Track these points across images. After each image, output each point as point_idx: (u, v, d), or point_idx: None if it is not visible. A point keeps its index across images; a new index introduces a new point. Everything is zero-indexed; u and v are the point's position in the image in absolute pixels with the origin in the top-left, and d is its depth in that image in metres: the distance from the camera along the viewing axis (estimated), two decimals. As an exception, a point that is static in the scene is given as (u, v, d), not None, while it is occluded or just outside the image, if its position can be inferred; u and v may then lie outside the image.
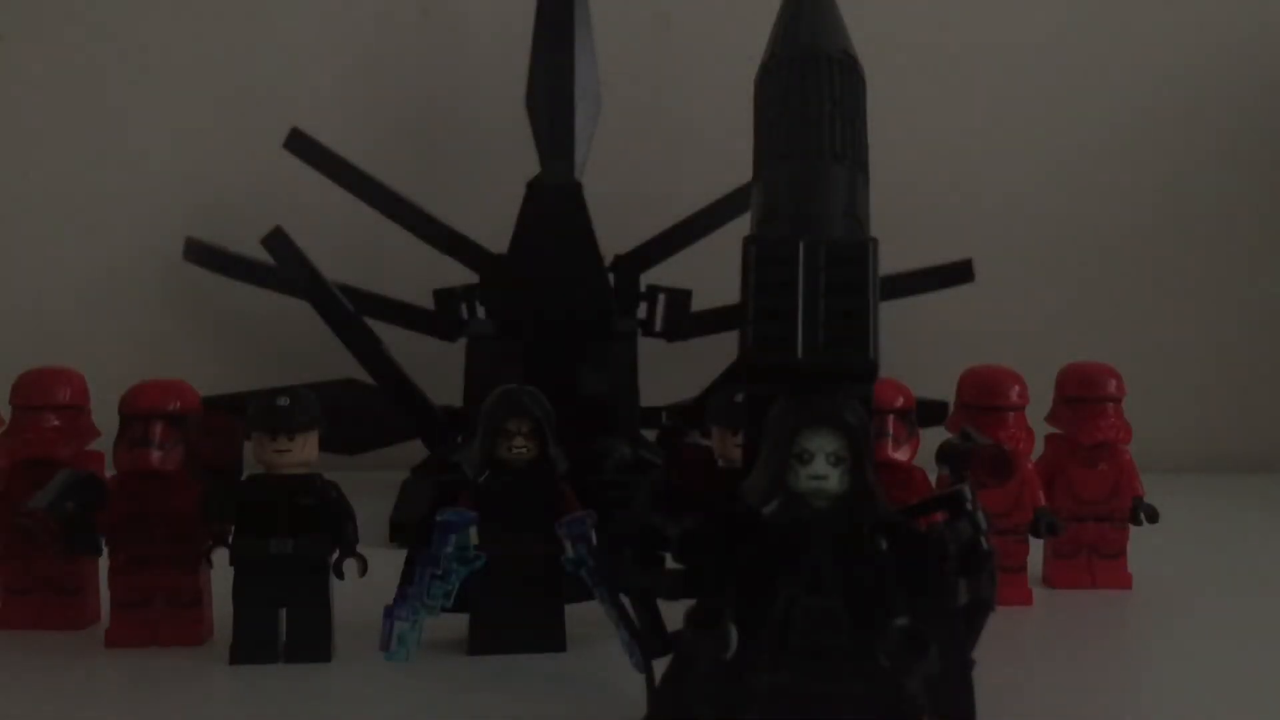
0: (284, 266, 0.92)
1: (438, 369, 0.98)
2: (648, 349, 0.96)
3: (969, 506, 0.37)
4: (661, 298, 1.01)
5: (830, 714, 0.34)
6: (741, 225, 1.11)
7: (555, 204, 0.92)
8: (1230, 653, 0.61)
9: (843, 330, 0.34)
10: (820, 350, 0.34)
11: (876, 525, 0.35)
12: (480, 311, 0.99)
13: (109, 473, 0.62)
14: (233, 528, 0.59)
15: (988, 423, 0.68)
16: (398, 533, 0.83)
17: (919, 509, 0.37)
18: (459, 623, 0.60)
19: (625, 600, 0.39)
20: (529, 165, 0.95)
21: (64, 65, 1.18)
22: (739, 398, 0.63)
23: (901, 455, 0.65)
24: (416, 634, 0.57)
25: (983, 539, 0.37)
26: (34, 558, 0.63)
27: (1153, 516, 0.71)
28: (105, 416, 0.64)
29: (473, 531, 0.58)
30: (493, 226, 0.97)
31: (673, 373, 1.01)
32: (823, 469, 0.34)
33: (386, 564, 0.60)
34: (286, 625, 0.59)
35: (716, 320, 1.03)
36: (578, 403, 0.88)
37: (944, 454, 0.66)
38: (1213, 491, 1.04)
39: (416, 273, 1.03)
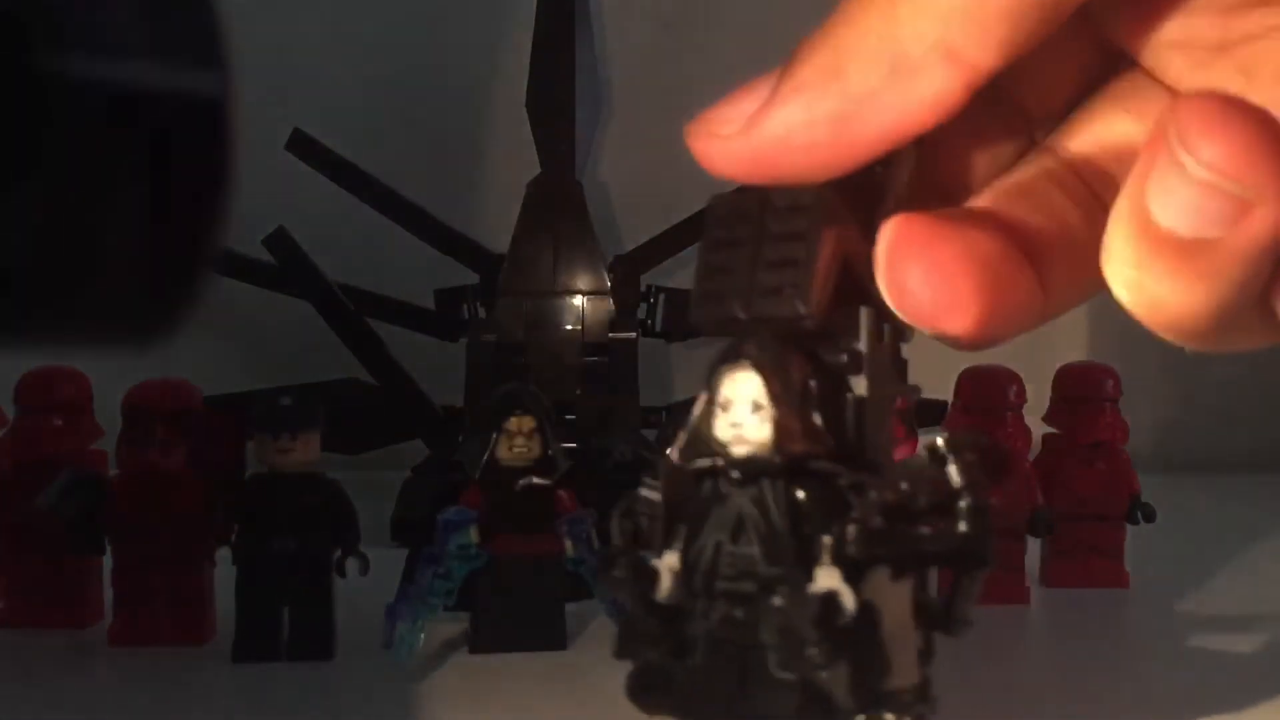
0: (286, 266, 0.92)
1: (438, 369, 0.99)
2: (648, 349, 0.97)
3: (943, 452, 0.35)
4: (661, 298, 1.01)
5: (756, 661, 0.34)
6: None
7: (556, 205, 0.93)
8: (1228, 653, 0.61)
9: (781, 279, 0.32)
10: (754, 302, 0.33)
11: (794, 474, 0.33)
12: (480, 311, 1.00)
13: (112, 472, 0.62)
14: (235, 527, 0.59)
15: (985, 422, 0.68)
16: (399, 532, 0.83)
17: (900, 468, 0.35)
18: (461, 621, 0.60)
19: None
20: (529, 165, 0.95)
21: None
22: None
23: (900, 455, 0.65)
24: (418, 632, 0.57)
25: (969, 492, 0.35)
26: (36, 556, 0.63)
27: (1150, 516, 0.71)
28: (108, 415, 0.65)
29: (474, 530, 0.58)
30: (493, 226, 0.97)
31: (673, 373, 1.01)
32: (741, 416, 0.33)
33: (388, 563, 0.60)
34: (289, 624, 0.59)
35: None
36: (578, 403, 0.88)
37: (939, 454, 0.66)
38: (1211, 491, 1.04)
39: (417, 273, 1.03)
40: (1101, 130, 0.33)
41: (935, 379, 0.79)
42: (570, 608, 0.61)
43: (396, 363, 0.95)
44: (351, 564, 0.59)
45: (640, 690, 0.36)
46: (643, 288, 1.01)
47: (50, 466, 0.62)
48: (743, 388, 0.33)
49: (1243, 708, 0.54)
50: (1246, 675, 0.58)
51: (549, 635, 0.60)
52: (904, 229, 0.30)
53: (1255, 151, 0.25)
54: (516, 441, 0.60)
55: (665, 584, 0.35)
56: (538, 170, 0.95)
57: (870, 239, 0.32)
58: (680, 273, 1.03)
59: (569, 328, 0.91)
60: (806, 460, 0.33)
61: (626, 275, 1.01)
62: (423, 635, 0.58)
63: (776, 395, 0.33)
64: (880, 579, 0.34)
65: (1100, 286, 0.30)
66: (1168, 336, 0.29)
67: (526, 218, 0.93)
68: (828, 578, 0.33)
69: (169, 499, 0.61)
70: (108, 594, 0.63)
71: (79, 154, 0.19)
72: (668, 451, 0.35)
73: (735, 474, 0.33)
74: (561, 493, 0.60)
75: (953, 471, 0.35)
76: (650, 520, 0.35)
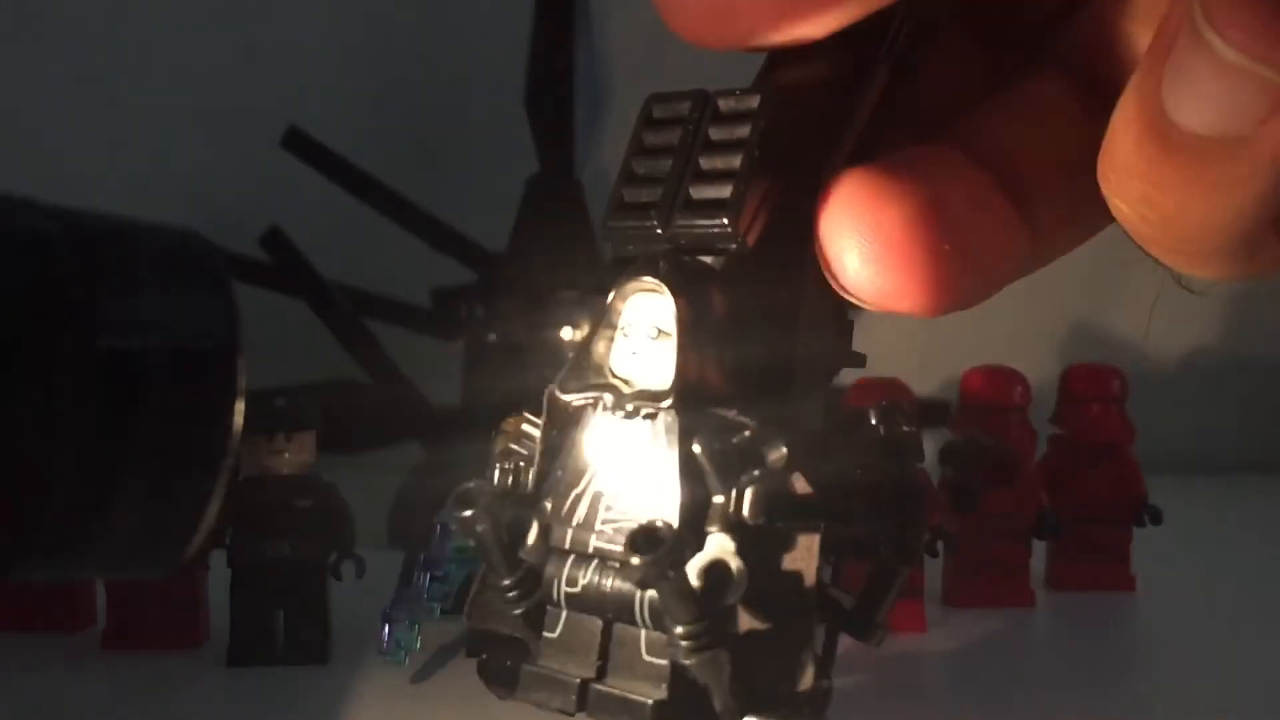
0: (282, 265, 0.91)
1: (437, 369, 0.98)
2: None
3: (874, 421, 0.30)
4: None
5: (625, 640, 0.28)
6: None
7: (555, 203, 0.92)
8: (1235, 655, 0.61)
9: (711, 193, 0.27)
10: (675, 216, 0.28)
11: (698, 422, 0.28)
12: (479, 311, 0.99)
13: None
14: (229, 529, 0.58)
15: (991, 423, 0.68)
16: (396, 534, 0.82)
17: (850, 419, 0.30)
18: (457, 624, 0.59)
19: None
20: (528, 163, 0.94)
21: (63, 64, 1.18)
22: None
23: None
24: (415, 636, 0.57)
25: (902, 471, 0.29)
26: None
27: (1157, 518, 0.71)
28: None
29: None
30: (491, 225, 0.97)
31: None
32: (641, 343, 0.28)
33: (384, 565, 0.59)
34: (284, 627, 0.58)
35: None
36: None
37: (947, 455, 0.65)
38: (1218, 493, 1.04)
39: (414, 272, 1.02)
40: (1099, 34, 0.29)
41: (939, 379, 0.79)
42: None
43: (393, 363, 0.94)
44: (347, 567, 0.59)
45: (492, 670, 0.31)
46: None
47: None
48: (647, 311, 0.28)
49: (1250, 712, 0.54)
50: (1254, 679, 0.58)
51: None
52: (847, 191, 0.27)
53: None
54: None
55: (532, 538, 0.29)
56: (536, 168, 0.94)
57: (824, 175, 0.28)
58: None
59: (568, 327, 0.90)
60: (712, 405, 0.28)
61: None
62: (419, 639, 0.57)
63: (685, 323, 0.27)
64: (781, 557, 0.28)
65: (1103, 221, 0.27)
66: (1171, 261, 0.26)
67: (525, 216, 0.92)
68: (718, 546, 0.27)
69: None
70: (100, 597, 0.62)
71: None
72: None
73: (625, 410, 0.28)
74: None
75: (882, 447, 0.30)
76: (526, 462, 0.30)
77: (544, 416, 0.30)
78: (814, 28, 0.27)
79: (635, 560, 0.26)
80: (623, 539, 0.27)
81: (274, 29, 1.18)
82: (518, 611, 0.29)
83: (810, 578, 0.28)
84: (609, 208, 0.29)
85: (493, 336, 0.91)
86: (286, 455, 0.58)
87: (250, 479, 0.59)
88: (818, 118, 0.29)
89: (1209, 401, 1.20)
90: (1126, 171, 0.24)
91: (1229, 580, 0.75)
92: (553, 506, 0.29)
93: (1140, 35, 0.28)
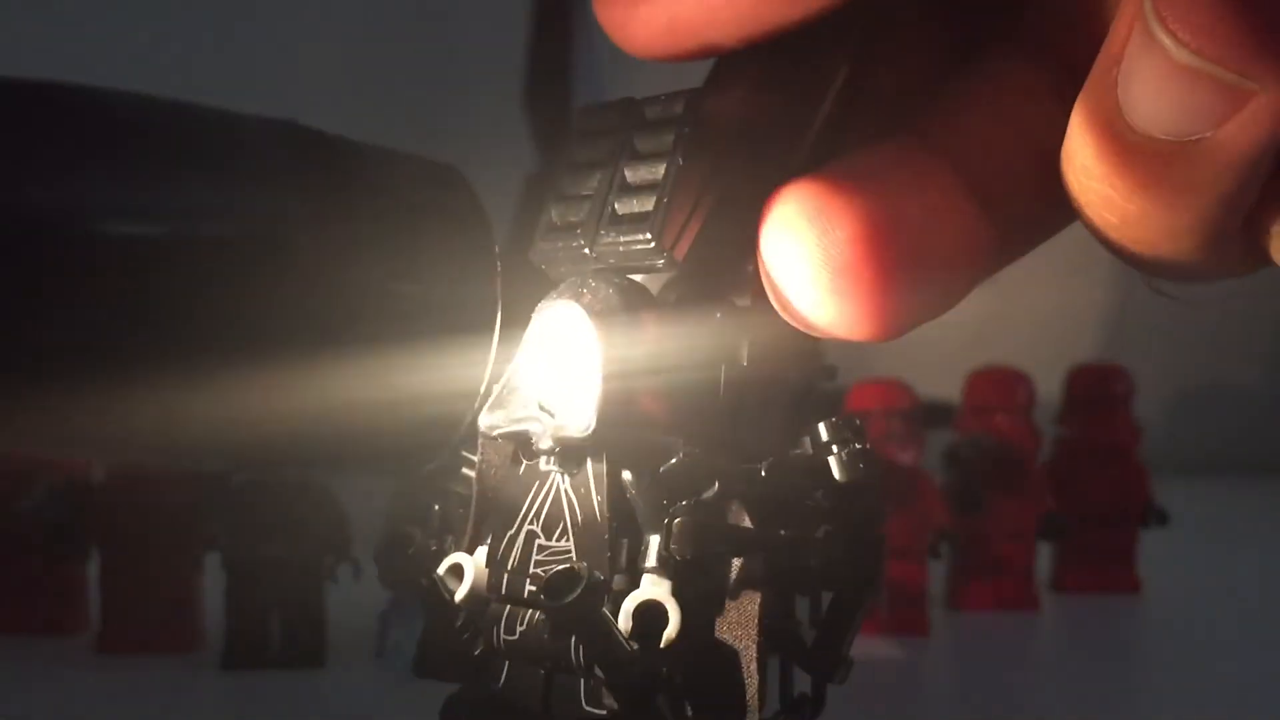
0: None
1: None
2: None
3: (824, 441, 0.27)
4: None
5: (564, 689, 0.26)
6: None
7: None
8: (1241, 657, 0.61)
9: (636, 207, 0.26)
10: (598, 231, 0.26)
11: (628, 454, 0.26)
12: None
13: (99, 476, 0.62)
14: (224, 532, 0.58)
15: (995, 425, 0.67)
16: (385, 571, 0.82)
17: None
18: (455, 628, 0.59)
19: None
20: (528, 165, 0.94)
21: (61, 64, 1.18)
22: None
23: (906, 457, 0.64)
24: (412, 639, 0.57)
25: (855, 495, 0.27)
26: (21, 562, 0.62)
27: (1163, 519, 0.70)
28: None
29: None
30: (492, 225, 0.96)
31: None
32: (564, 370, 0.26)
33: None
34: (279, 631, 0.58)
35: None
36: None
37: (951, 457, 0.65)
38: (1224, 494, 1.04)
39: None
40: (1073, 10, 0.27)
41: (943, 380, 0.78)
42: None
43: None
44: (343, 570, 0.58)
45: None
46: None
47: (33, 470, 0.61)
48: (567, 336, 0.26)
49: (1257, 714, 0.53)
50: (1260, 681, 0.57)
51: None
52: (791, 207, 0.25)
53: (1253, 23, 0.20)
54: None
55: (465, 587, 0.27)
56: (536, 168, 0.94)
57: (776, 182, 0.25)
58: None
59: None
60: (642, 435, 0.26)
61: (627, 274, 1.00)
62: (416, 642, 0.57)
63: (608, 350, 0.25)
64: (723, 594, 0.26)
65: (1074, 216, 0.25)
66: (1138, 264, 0.24)
67: (524, 215, 0.92)
68: (650, 585, 0.25)
69: (157, 503, 0.60)
70: (95, 600, 0.62)
71: None
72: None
73: (549, 446, 0.26)
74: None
75: (835, 466, 0.27)
76: (464, 503, 0.28)
77: (479, 453, 0.28)
78: (768, 26, 0.25)
79: (552, 604, 0.24)
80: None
81: (271, 27, 1.18)
82: (473, 652, 0.28)
83: (751, 614, 0.26)
84: (538, 229, 0.28)
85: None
86: (282, 457, 0.58)
87: (245, 482, 0.58)
88: (767, 121, 0.27)
89: (1214, 402, 1.20)
90: (1086, 174, 0.23)
91: (1235, 582, 0.75)
92: (489, 549, 0.27)
93: (1104, 17, 0.26)
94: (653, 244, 0.25)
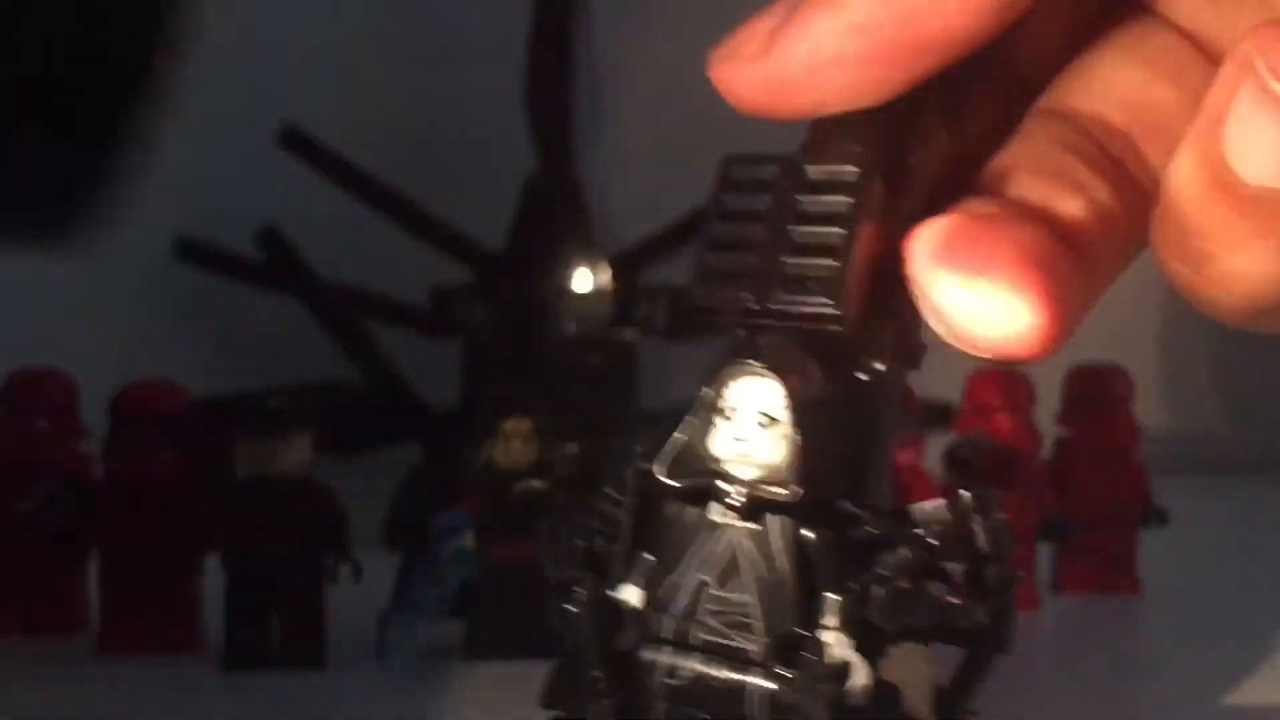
0: (277, 265, 0.91)
1: (435, 369, 0.98)
2: (648, 349, 0.96)
3: (968, 508, 0.29)
4: (661, 298, 1.00)
5: (734, 709, 0.27)
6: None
7: (554, 202, 0.92)
8: (1241, 658, 0.61)
9: (811, 269, 0.26)
10: (779, 292, 0.27)
11: (810, 512, 0.27)
12: (477, 310, 0.99)
13: (99, 475, 0.62)
14: (224, 531, 0.58)
15: (994, 425, 0.67)
16: (393, 537, 0.82)
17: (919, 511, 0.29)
18: (455, 628, 0.59)
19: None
20: (526, 161, 0.94)
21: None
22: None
23: (905, 458, 0.64)
24: (412, 639, 0.57)
25: (995, 563, 0.29)
26: (21, 562, 0.62)
27: (1163, 520, 0.70)
28: (95, 417, 0.64)
29: (469, 535, 0.57)
30: (492, 226, 0.96)
31: (673, 373, 1.00)
32: (749, 430, 0.27)
33: (381, 568, 0.59)
34: (279, 631, 0.58)
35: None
36: (576, 404, 0.87)
37: (949, 457, 0.65)
38: (1224, 494, 1.03)
39: (415, 272, 1.02)
40: (1108, 84, 0.28)
41: (943, 380, 0.78)
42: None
43: (390, 363, 0.94)
44: (344, 570, 0.58)
45: None
46: (642, 287, 1.00)
47: (34, 470, 0.61)
48: (755, 395, 0.27)
49: (1258, 717, 0.53)
50: (1261, 682, 0.57)
51: (545, 642, 0.59)
52: (958, 232, 0.25)
53: None
54: (514, 444, 0.59)
55: (628, 628, 0.28)
56: (536, 168, 0.94)
57: (896, 240, 0.27)
58: (680, 273, 1.02)
59: (567, 327, 0.90)
60: (826, 497, 0.27)
61: (626, 274, 1.00)
62: (417, 642, 0.57)
63: (797, 409, 0.26)
64: (898, 656, 0.27)
65: (1125, 265, 0.26)
66: (1230, 318, 0.25)
67: (524, 214, 0.92)
68: (840, 647, 0.26)
69: (156, 503, 0.60)
70: (94, 600, 0.62)
71: None
72: (652, 465, 0.28)
73: (736, 501, 0.27)
74: (561, 497, 0.59)
75: (979, 533, 0.29)
76: (608, 542, 0.29)
77: (630, 496, 0.29)
78: (880, 91, 0.26)
79: (786, 671, 0.26)
80: (734, 632, 0.27)
81: (271, 27, 1.18)
82: (607, 703, 0.29)
83: (927, 675, 0.29)
84: (697, 274, 0.28)
85: (490, 336, 0.90)
86: (282, 457, 0.58)
87: (246, 481, 0.58)
88: (912, 176, 0.28)
89: (1216, 402, 1.20)
90: (1185, 230, 0.23)
91: (1235, 583, 0.75)
92: (647, 593, 0.28)
93: (1145, 82, 0.28)
94: (836, 310, 0.26)
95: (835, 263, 0.26)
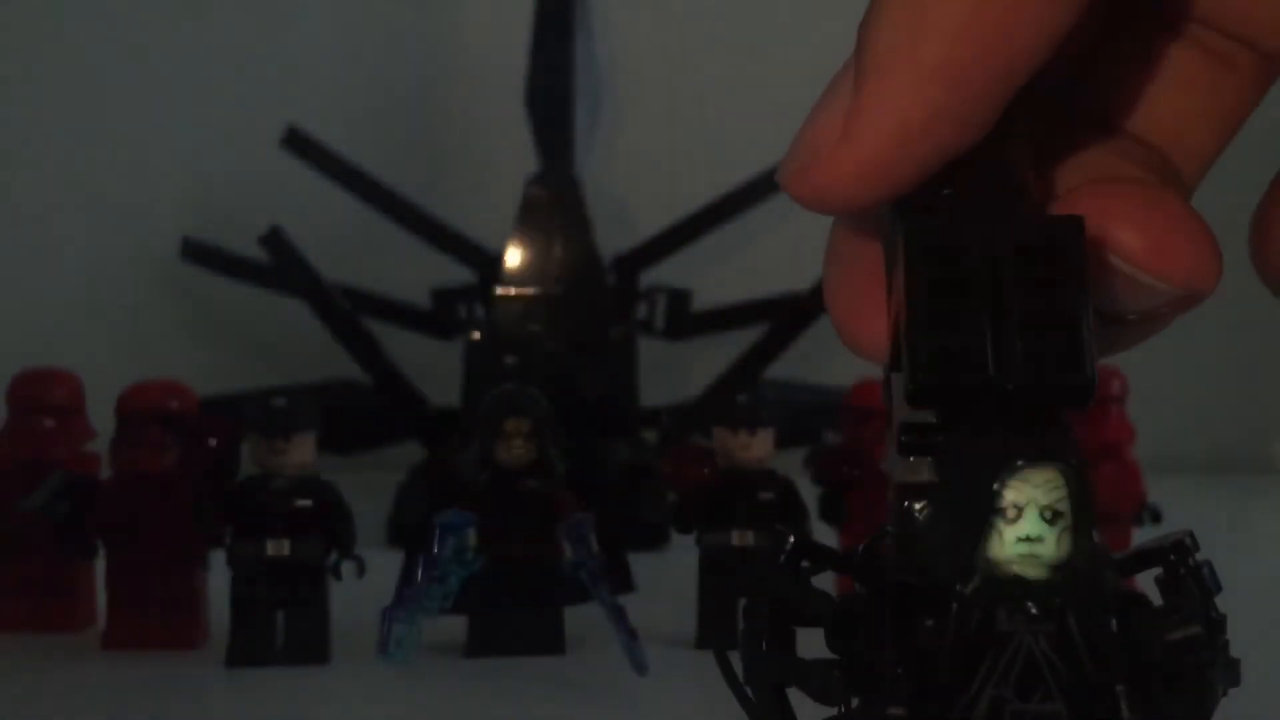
0: (281, 266, 0.92)
1: (437, 369, 0.98)
2: (648, 349, 0.96)
3: (1193, 563, 0.28)
4: (661, 298, 1.01)
5: None
6: (742, 224, 1.11)
7: (555, 203, 0.92)
8: (1236, 656, 0.61)
9: (1048, 340, 0.25)
10: (1020, 367, 0.25)
11: (1106, 601, 0.25)
12: (479, 311, 0.99)
13: (105, 474, 0.62)
14: (229, 529, 0.58)
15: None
16: (395, 534, 0.82)
17: (1126, 566, 0.28)
18: (457, 625, 0.60)
19: (748, 689, 0.28)
20: (529, 164, 0.94)
21: (62, 64, 1.18)
22: (742, 398, 0.63)
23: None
24: (414, 636, 0.57)
25: (1213, 609, 0.27)
26: (28, 559, 0.63)
27: (1157, 518, 0.71)
28: (101, 417, 0.64)
29: (471, 533, 0.58)
30: (493, 226, 0.97)
31: (673, 373, 1.00)
32: (1036, 528, 0.25)
33: (384, 566, 0.59)
34: (284, 627, 0.58)
35: (716, 320, 1.03)
36: (577, 404, 0.88)
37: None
38: (1218, 493, 1.04)
39: (416, 273, 1.02)
40: (1135, 100, 0.28)
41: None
42: (568, 612, 0.60)
43: (392, 363, 0.94)
44: (347, 567, 0.59)
45: None
46: (643, 287, 1.01)
47: (42, 468, 0.62)
48: (1040, 490, 0.25)
49: (1252, 714, 0.54)
50: (1255, 680, 0.58)
51: (547, 639, 0.60)
52: (1142, 193, 0.25)
53: None
54: (514, 443, 0.59)
55: None
56: (536, 168, 0.94)
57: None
58: (680, 273, 1.02)
59: (568, 327, 0.90)
60: (1107, 581, 0.25)
61: (626, 275, 1.00)
62: (419, 639, 0.57)
63: (1084, 504, 0.25)
64: None
65: None
66: None
67: (525, 216, 0.92)
68: None
69: (162, 501, 0.60)
70: (101, 597, 0.62)
71: None
72: (958, 587, 0.26)
73: (1033, 607, 0.25)
74: (561, 495, 0.59)
75: (1192, 593, 0.28)
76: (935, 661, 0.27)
77: (955, 620, 0.26)
78: (985, 116, 0.24)
79: None
80: None
81: (274, 29, 1.18)
82: None
83: None
84: (920, 357, 0.25)
85: (491, 336, 0.91)
86: (287, 456, 0.58)
87: (250, 479, 0.59)
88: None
89: (1209, 401, 1.20)
90: None
91: (1229, 580, 0.75)
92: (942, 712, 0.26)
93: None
94: (1088, 383, 0.25)
95: (1077, 334, 0.25)
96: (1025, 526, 0.25)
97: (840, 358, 0.43)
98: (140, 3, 1.18)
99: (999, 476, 0.25)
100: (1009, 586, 0.25)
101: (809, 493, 0.63)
